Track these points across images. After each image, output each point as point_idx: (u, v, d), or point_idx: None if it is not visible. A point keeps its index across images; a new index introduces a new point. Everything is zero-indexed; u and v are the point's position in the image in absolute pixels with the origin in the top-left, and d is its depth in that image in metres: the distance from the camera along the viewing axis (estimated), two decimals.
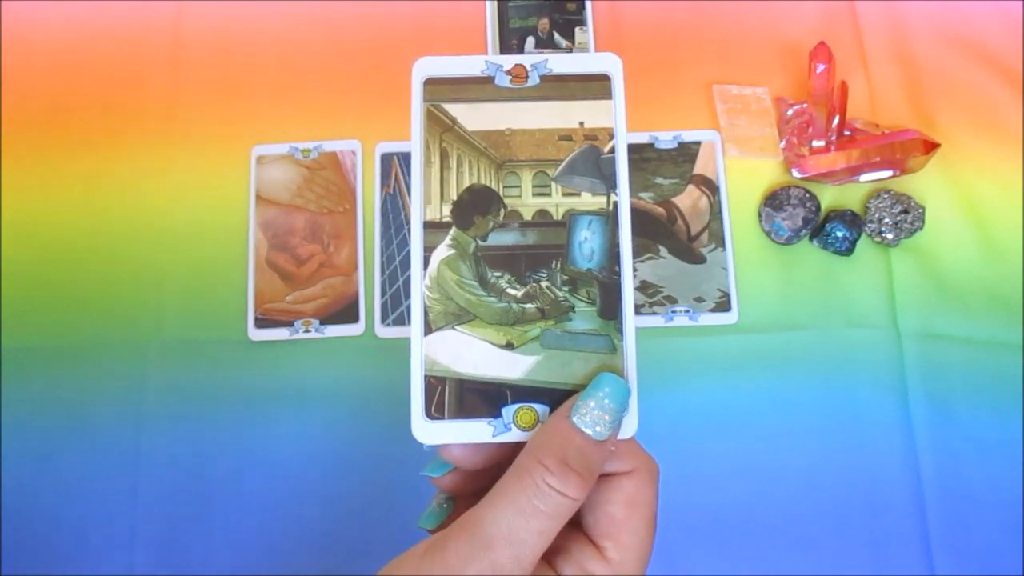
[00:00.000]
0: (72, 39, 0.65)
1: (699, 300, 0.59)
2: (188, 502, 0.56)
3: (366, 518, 0.55)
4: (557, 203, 0.35)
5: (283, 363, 0.58)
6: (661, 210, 0.61)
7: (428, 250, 0.34)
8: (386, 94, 0.63)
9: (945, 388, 0.57)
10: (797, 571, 0.54)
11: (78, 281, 0.60)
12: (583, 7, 0.65)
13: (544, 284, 0.34)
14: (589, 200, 0.34)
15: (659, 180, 0.61)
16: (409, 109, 0.34)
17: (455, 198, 0.34)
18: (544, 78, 0.35)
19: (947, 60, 0.64)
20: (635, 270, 0.59)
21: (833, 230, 0.59)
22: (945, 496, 0.55)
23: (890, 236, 0.59)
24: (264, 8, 0.65)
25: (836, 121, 0.60)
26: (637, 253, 0.60)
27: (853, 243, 0.59)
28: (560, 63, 0.35)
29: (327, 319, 0.59)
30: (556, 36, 0.64)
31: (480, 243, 0.34)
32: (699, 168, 0.61)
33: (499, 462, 0.33)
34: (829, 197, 0.61)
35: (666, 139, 0.62)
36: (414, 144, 0.34)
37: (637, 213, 0.60)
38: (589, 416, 0.31)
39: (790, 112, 0.62)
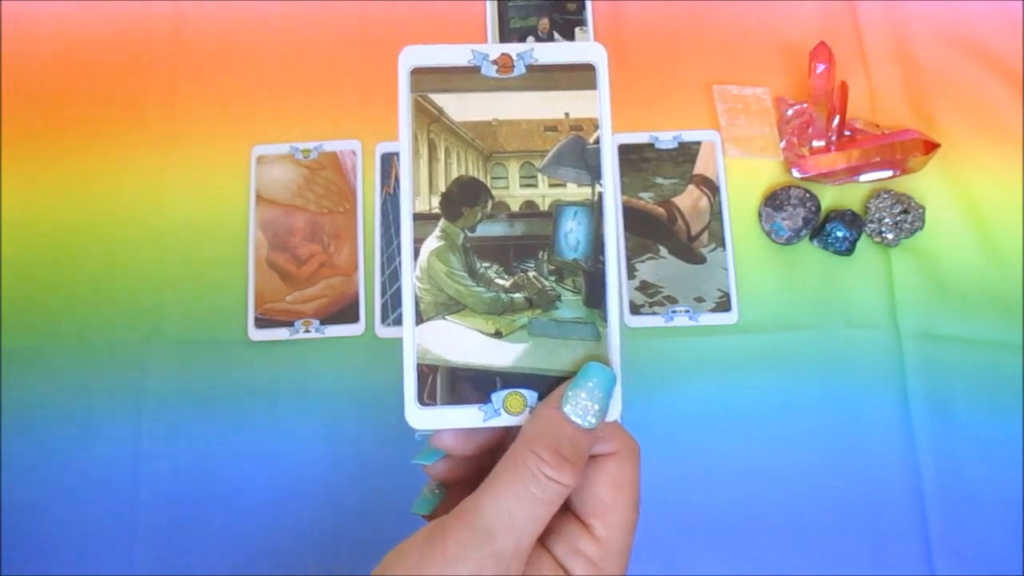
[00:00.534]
0: (72, 39, 0.64)
1: (699, 300, 0.59)
2: (188, 502, 0.56)
3: (366, 518, 0.55)
4: (543, 194, 0.35)
5: (283, 363, 0.58)
6: (661, 210, 0.61)
7: (418, 242, 0.34)
8: (386, 94, 0.62)
9: (945, 388, 0.57)
10: (797, 571, 0.54)
11: (78, 281, 0.60)
12: (583, 7, 0.65)
13: (531, 274, 0.35)
14: (575, 191, 0.35)
15: (659, 180, 0.61)
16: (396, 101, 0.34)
17: (443, 190, 0.35)
18: (530, 68, 0.35)
19: (947, 60, 0.64)
20: (635, 270, 0.59)
21: (833, 230, 0.59)
22: (945, 496, 0.55)
23: (890, 236, 0.59)
24: (264, 8, 0.65)
25: (836, 121, 0.60)
26: (637, 253, 0.60)
27: (853, 243, 0.59)
28: (545, 52, 0.35)
29: (327, 319, 0.59)
30: (556, 36, 0.64)
31: (469, 234, 0.35)
32: (699, 168, 0.61)
33: (488, 449, 0.35)
34: (829, 197, 0.61)
35: (666, 139, 0.62)
36: (402, 135, 0.34)
37: (637, 213, 0.60)
38: (579, 406, 0.32)
39: (790, 112, 0.62)
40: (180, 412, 0.57)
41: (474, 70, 0.35)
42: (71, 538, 0.55)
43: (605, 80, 0.35)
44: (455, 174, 0.35)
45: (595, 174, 0.35)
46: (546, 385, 0.33)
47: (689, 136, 0.62)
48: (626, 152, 0.62)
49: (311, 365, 0.58)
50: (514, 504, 0.30)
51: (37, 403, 0.57)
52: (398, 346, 0.33)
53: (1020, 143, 0.62)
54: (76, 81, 0.64)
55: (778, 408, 0.57)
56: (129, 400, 0.57)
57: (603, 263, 0.34)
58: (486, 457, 0.35)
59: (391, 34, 0.64)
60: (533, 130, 0.35)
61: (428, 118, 0.35)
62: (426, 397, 0.34)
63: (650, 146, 0.62)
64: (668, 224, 0.60)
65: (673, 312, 0.59)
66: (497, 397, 0.34)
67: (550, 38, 0.64)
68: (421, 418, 0.33)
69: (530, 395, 0.34)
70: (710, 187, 0.61)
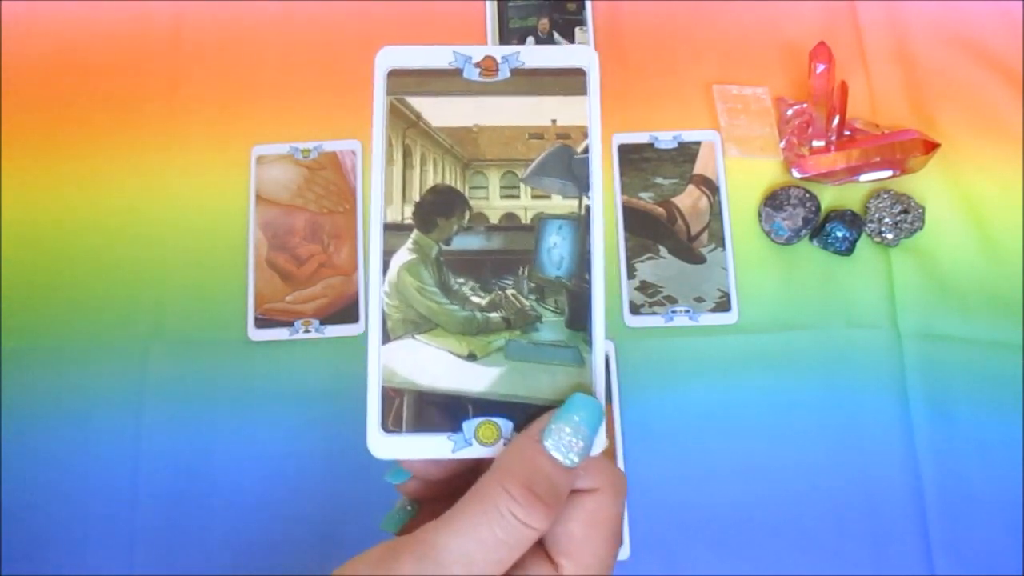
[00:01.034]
0: (72, 39, 0.64)
1: (699, 300, 0.59)
2: (188, 502, 0.56)
3: (365, 518, 0.55)
4: (526, 206, 0.33)
5: (283, 363, 0.58)
6: (661, 210, 0.61)
7: (388, 254, 0.32)
8: None
9: (945, 388, 0.57)
10: (797, 571, 0.54)
11: (78, 281, 0.60)
12: (583, 7, 0.65)
13: (510, 292, 0.32)
14: (560, 203, 0.32)
15: (659, 180, 0.61)
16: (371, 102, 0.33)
17: (417, 199, 0.32)
18: (515, 72, 0.33)
19: (947, 60, 0.64)
20: (635, 270, 0.59)
21: (833, 230, 0.59)
22: (945, 496, 0.55)
23: (890, 236, 0.59)
24: (264, 8, 0.65)
25: (836, 121, 0.59)
26: (637, 253, 0.60)
27: (853, 243, 0.59)
28: (532, 56, 0.33)
29: (327, 319, 0.59)
30: (556, 36, 0.64)
31: (443, 247, 0.32)
32: (699, 168, 0.61)
33: (460, 471, 0.32)
34: (829, 197, 0.61)
35: (666, 139, 0.62)
36: (375, 140, 0.32)
37: (637, 213, 0.60)
38: (562, 442, 0.29)
39: (790, 112, 0.62)
40: (180, 412, 0.57)
41: (455, 73, 0.33)
42: (71, 538, 0.55)
43: (596, 86, 0.33)
44: (431, 182, 0.33)
45: (582, 186, 0.32)
46: (523, 414, 0.31)
47: (689, 136, 0.62)
48: (626, 152, 0.62)
49: (311, 365, 0.58)
50: (474, 546, 0.27)
51: (37, 403, 0.57)
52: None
53: (1020, 143, 0.62)
54: (76, 81, 0.64)
55: (778, 408, 0.57)
56: (129, 400, 0.57)
57: (588, 282, 0.32)
58: (460, 478, 0.33)
59: (391, 34, 0.64)
60: (517, 137, 0.33)
61: (404, 122, 0.33)
62: (391, 423, 0.31)
63: (650, 146, 0.62)
64: (668, 224, 0.60)
65: (673, 312, 0.59)
66: (468, 426, 0.31)
67: (550, 38, 0.64)
68: (385, 447, 0.31)
69: (505, 424, 0.31)
70: (710, 187, 0.61)
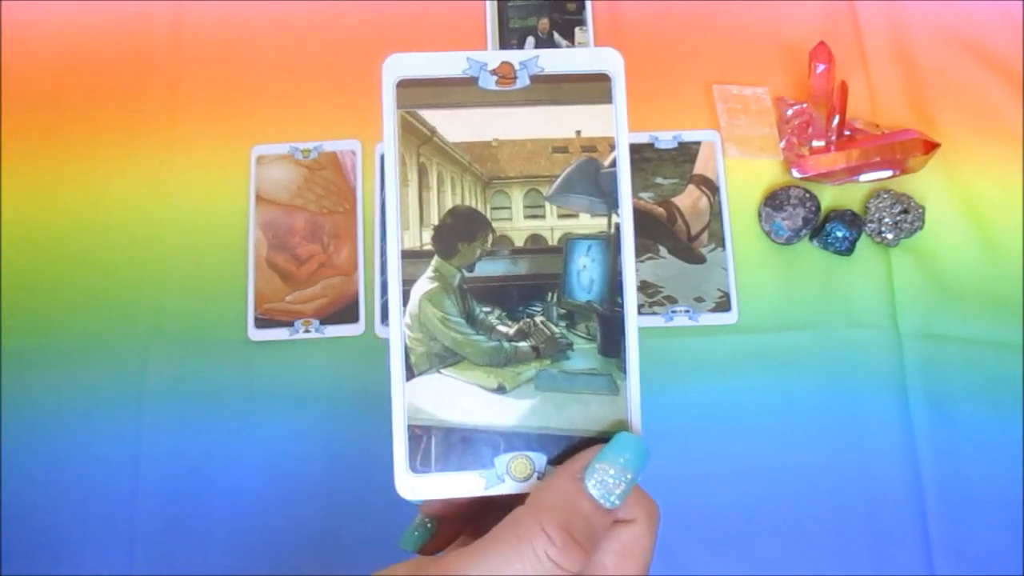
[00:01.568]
0: (72, 39, 0.64)
1: (699, 300, 0.59)
2: (188, 502, 0.56)
3: (365, 518, 0.55)
4: (552, 226, 0.31)
5: (283, 363, 0.58)
6: (661, 210, 0.61)
7: (407, 283, 0.30)
8: None
9: (945, 388, 0.57)
10: (797, 571, 0.54)
11: (78, 281, 0.60)
12: (583, 7, 0.65)
13: (539, 319, 0.31)
14: (588, 222, 0.30)
15: (659, 180, 0.61)
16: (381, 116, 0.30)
17: (436, 222, 0.30)
18: (534, 79, 0.30)
19: (947, 60, 0.64)
20: (635, 271, 0.59)
21: (833, 230, 0.59)
22: (945, 496, 0.55)
23: (890, 236, 0.59)
24: (264, 8, 0.65)
25: (836, 121, 0.59)
26: (637, 253, 0.60)
27: (853, 243, 0.59)
28: (552, 61, 0.30)
29: (327, 319, 0.59)
30: (556, 36, 0.64)
31: (466, 274, 0.30)
32: (699, 168, 0.61)
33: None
34: (829, 197, 0.61)
35: (666, 139, 0.62)
36: (388, 159, 0.30)
37: (637, 213, 0.60)
38: (605, 483, 0.28)
39: (790, 112, 0.62)
40: (180, 412, 0.57)
41: (470, 82, 0.30)
42: (71, 538, 0.55)
43: (622, 92, 0.30)
44: (449, 204, 0.30)
45: (611, 202, 0.30)
46: (557, 447, 0.29)
47: (689, 136, 0.62)
48: None
49: (311, 365, 0.58)
50: None
51: (37, 403, 0.57)
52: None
53: (1020, 143, 0.62)
54: (76, 81, 0.64)
55: (778, 408, 0.57)
56: (129, 400, 0.57)
57: (621, 305, 0.30)
58: (482, 498, 0.31)
59: (391, 34, 0.64)
60: (539, 151, 0.31)
61: (418, 139, 0.30)
62: (419, 463, 0.30)
63: (650, 146, 0.62)
64: (668, 224, 0.60)
65: (673, 312, 0.59)
66: (501, 461, 0.29)
67: (550, 38, 0.64)
68: (414, 488, 0.30)
69: (538, 458, 0.29)
70: (710, 187, 0.61)
